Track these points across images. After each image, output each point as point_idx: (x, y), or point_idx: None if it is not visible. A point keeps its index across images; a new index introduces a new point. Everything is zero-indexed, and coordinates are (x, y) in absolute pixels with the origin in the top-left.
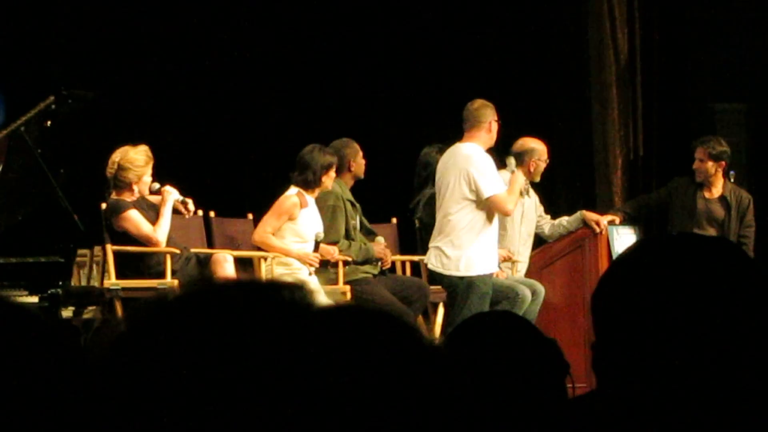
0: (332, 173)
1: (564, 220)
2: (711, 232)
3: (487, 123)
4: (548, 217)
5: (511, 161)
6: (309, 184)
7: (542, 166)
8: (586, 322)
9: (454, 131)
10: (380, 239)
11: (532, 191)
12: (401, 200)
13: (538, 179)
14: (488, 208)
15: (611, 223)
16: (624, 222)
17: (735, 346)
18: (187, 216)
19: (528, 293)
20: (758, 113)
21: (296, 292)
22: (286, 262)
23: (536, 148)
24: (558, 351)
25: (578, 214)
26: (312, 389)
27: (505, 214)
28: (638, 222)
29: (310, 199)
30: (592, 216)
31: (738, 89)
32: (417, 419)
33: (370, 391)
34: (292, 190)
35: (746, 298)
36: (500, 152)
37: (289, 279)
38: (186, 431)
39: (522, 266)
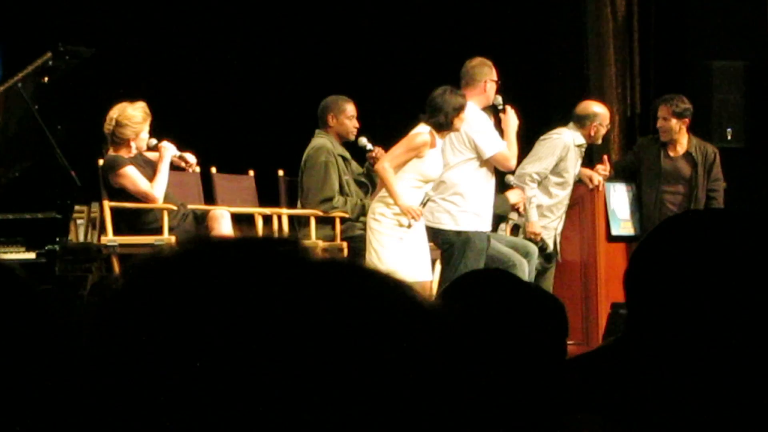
0: (463, 115)
1: None
2: (679, 189)
3: (483, 82)
4: None
5: (498, 99)
6: (441, 126)
7: (603, 130)
8: (584, 279)
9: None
10: None
11: None
12: None
13: (599, 142)
14: (486, 165)
15: (604, 176)
16: (618, 178)
17: (759, 312)
18: (189, 170)
19: (523, 260)
20: (755, 70)
21: (291, 247)
22: (391, 203)
23: (599, 112)
24: (560, 310)
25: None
26: (305, 345)
27: (507, 170)
28: (633, 180)
29: (439, 141)
30: (585, 172)
31: (735, 47)
32: (410, 376)
33: (361, 346)
34: (425, 128)
35: None
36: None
37: (381, 220)
38: (177, 389)
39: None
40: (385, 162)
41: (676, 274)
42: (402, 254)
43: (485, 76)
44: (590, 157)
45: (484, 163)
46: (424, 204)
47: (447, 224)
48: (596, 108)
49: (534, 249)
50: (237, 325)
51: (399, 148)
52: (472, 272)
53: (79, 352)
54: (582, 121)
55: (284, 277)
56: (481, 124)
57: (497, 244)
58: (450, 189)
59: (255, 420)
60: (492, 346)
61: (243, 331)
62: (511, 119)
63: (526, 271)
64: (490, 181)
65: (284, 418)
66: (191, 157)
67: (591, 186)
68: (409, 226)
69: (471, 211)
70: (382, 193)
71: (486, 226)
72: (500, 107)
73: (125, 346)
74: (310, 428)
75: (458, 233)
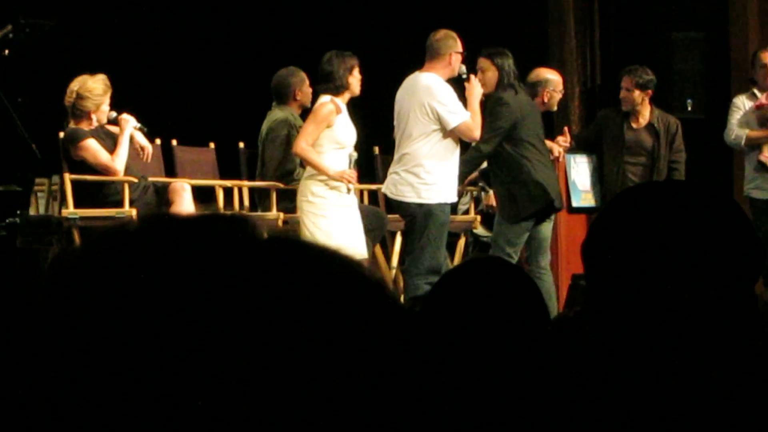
0: (357, 73)
1: None
2: (641, 161)
3: (448, 54)
4: None
5: (462, 69)
6: (338, 89)
7: (557, 96)
8: None
9: (417, 63)
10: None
11: None
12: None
13: (554, 109)
14: (450, 136)
15: (565, 148)
16: (578, 150)
17: (713, 281)
18: (143, 158)
19: None
20: (715, 42)
21: (241, 224)
22: (323, 179)
23: (551, 78)
24: (541, 297)
25: None
26: (251, 324)
27: (472, 140)
28: (593, 151)
29: (342, 104)
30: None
31: (695, 18)
32: (362, 353)
33: (308, 325)
34: (325, 98)
35: (724, 239)
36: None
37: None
38: (122, 363)
39: None
40: (301, 142)
41: (632, 245)
42: (338, 232)
43: (450, 49)
44: (550, 128)
45: (448, 134)
46: (353, 166)
47: (409, 197)
48: (548, 74)
49: None
50: (183, 304)
51: (309, 125)
52: (470, 261)
53: (34, 322)
54: (534, 89)
55: (231, 256)
56: (444, 96)
57: None
58: (412, 161)
59: (198, 397)
60: (483, 332)
61: (188, 310)
62: (476, 88)
63: None
64: (454, 153)
65: (228, 400)
66: (148, 146)
67: (551, 157)
68: (349, 191)
69: (433, 183)
70: (308, 173)
71: (449, 197)
72: (464, 76)
73: (78, 319)
74: (255, 410)
75: (420, 205)
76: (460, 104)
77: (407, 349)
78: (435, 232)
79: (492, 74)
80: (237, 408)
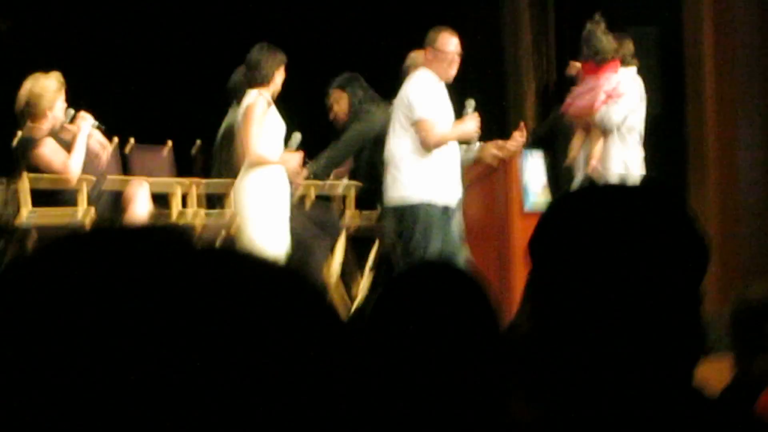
0: (282, 70)
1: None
2: None
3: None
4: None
5: (471, 103)
6: (263, 80)
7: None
8: (497, 249)
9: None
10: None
11: None
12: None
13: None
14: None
15: (521, 144)
16: (534, 147)
17: (656, 283)
18: (102, 157)
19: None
20: (670, 36)
21: (180, 236)
22: (264, 175)
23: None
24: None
25: (478, 146)
26: (188, 339)
27: (424, 146)
28: (547, 148)
29: (268, 96)
30: (497, 143)
31: (650, 12)
32: (301, 369)
33: (241, 339)
34: (254, 93)
35: (669, 238)
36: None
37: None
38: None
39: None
40: (256, 149)
41: (577, 244)
42: (276, 228)
43: (416, 69)
44: (505, 128)
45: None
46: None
47: (394, 196)
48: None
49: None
50: (115, 316)
51: (252, 128)
52: (415, 267)
53: None
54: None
55: (163, 269)
56: (422, 88)
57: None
58: (393, 160)
59: (137, 412)
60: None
61: (119, 323)
62: (469, 122)
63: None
64: (442, 149)
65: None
66: (107, 145)
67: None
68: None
69: (415, 181)
70: (245, 171)
71: (439, 197)
72: (466, 112)
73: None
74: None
75: (404, 204)
76: (434, 104)
77: (345, 360)
78: (422, 233)
79: (344, 102)
80: (176, 423)
